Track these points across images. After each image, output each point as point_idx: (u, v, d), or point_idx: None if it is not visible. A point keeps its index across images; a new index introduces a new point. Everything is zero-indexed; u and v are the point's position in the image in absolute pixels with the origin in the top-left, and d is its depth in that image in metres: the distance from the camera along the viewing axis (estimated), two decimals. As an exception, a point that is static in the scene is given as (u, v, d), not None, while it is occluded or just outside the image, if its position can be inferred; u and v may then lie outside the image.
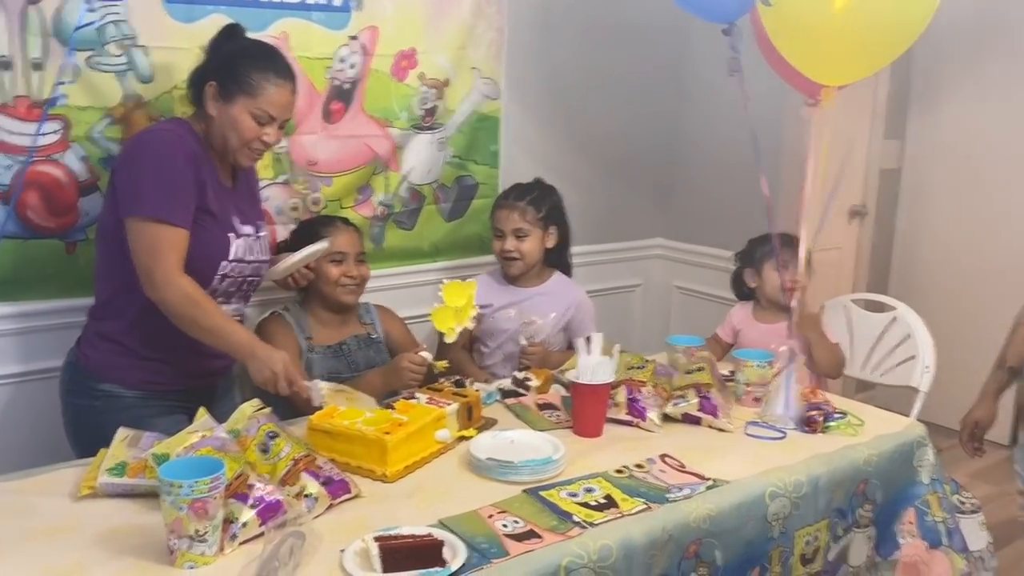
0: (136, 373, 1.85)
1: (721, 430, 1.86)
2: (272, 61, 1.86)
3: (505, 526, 1.42)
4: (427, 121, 2.61)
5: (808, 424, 1.86)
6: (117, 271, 1.80)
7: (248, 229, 1.91)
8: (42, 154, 2.03)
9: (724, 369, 2.11)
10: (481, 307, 2.36)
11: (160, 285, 1.72)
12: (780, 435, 1.85)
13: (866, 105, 3.85)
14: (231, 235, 1.85)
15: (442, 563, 1.29)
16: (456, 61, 2.63)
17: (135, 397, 1.84)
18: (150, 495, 1.43)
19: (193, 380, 1.90)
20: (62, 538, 1.35)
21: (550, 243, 2.41)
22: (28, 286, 2.06)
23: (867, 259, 4.05)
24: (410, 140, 2.59)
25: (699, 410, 1.88)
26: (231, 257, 1.85)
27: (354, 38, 2.43)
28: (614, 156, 3.10)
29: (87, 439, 1.70)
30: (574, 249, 2.91)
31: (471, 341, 2.41)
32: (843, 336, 2.60)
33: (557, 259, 2.48)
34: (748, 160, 2.07)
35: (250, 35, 1.95)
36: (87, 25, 1.99)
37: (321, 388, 1.74)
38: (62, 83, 1.75)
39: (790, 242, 2.17)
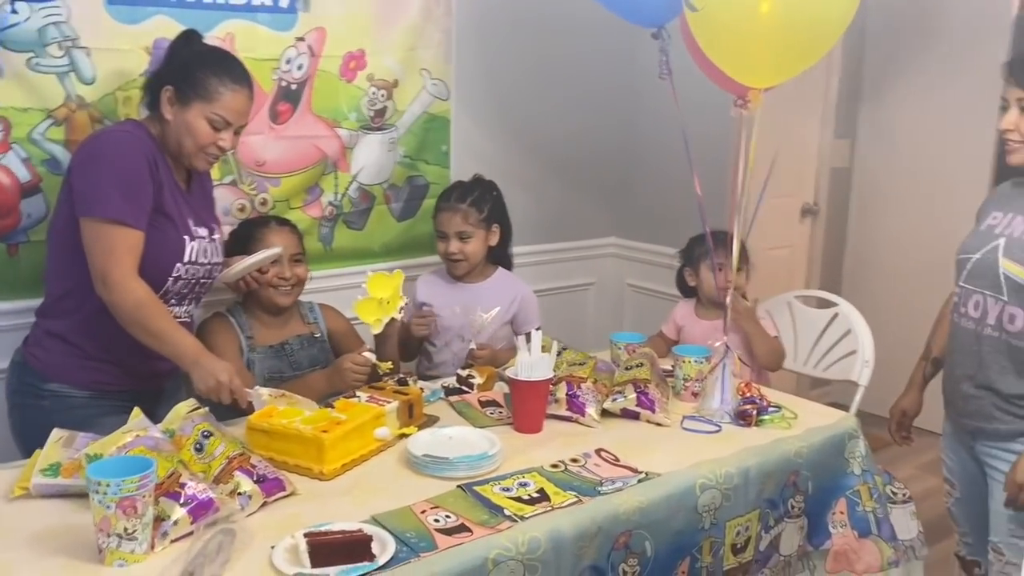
0: (84, 373, 1.86)
1: (659, 424, 1.90)
2: (229, 66, 1.88)
3: (437, 521, 1.44)
4: (376, 122, 2.62)
5: (743, 417, 1.91)
6: (72, 270, 1.80)
7: (202, 231, 1.92)
8: (-21, 156, 2.03)
9: (666, 365, 2.15)
10: (423, 304, 2.41)
11: (113, 287, 1.73)
12: (715, 428, 1.89)
13: (816, 104, 3.92)
14: (186, 237, 1.86)
15: (371, 557, 1.31)
16: (405, 62, 2.64)
17: (83, 397, 1.85)
18: (84, 495, 1.42)
19: (141, 381, 1.91)
20: (-8, 539, 1.36)
21: (493, 241, 2.44)
22: (-31, 284, 2.06)
23: (819, 257, 4.12)
24: (360, 140, 2.60)
25: (637, 405, 1.91)
26: (185, 259, 1.87)
27: (301, 39, 2.44)
28: (566, 156, 3.13)
29: (34, 439, 1.68)
30: (527, 248, 2.97)
31: (419, 342, 2.43)
32: (787, 332, 2.65)
33: (499, 255, 2.50)
34: (699, 159, 2.11)
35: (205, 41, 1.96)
36: (12, 27, 1.98)
37: (262, 395, 1.75)
38: None
39: (726, 241, 2.23)
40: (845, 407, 2.20)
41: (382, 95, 2.62)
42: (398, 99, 2.66)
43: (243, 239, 2.14)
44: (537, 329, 1.90)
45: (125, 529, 1.28)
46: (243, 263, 2.05)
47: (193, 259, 1.89)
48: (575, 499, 1.53)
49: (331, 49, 2.50)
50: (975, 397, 1.84)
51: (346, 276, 2.61)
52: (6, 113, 2.04)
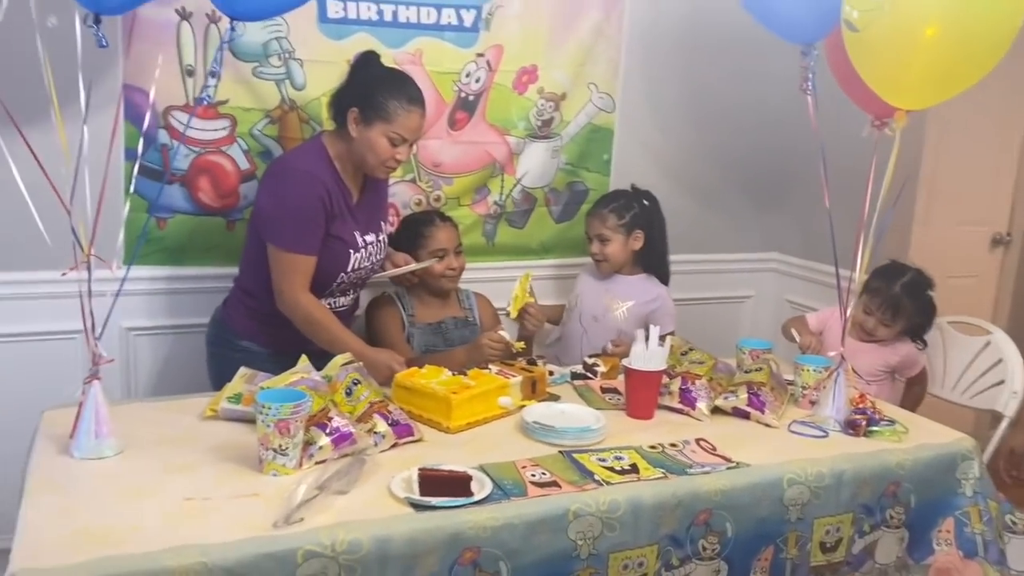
0: (269, 336, 2.21)
1: (767, 425, 1.99)
2: (406, 89, 2.12)
3: (533, 476, 1.65)
4: (543, 131, 2.87)
5: (852, 427, 1.96)
6: (261, 260, 2.14)
7: (370, 238, 2.21)
8: (213, 146, 2.47)
9: (789, 374, 2.23)
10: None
11: (285, 303, 2.09)
12: (822, 434, 1.96)
13: (1015, 130, 3.73)
14: (351, 251, 2.16)
15: (469, 493, 1.54)
16: (574, 77, 2.87)
17: (267, 354, 2.19)
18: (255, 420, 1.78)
19: (314, 345, 2.17)
20: (184, 445, 1.72)
21: (635, 246, 2.61)
22: (194, 255, 2.51)
23: (1010, 288, 3.90)
24: (526, 147, 2.86)
25: (747, 405, 2.01)
26: (349, 269, 2.18)
27: (481, 55, 2.73)
28: (727, 170, 3.22)
29: (225, 380, 2.05)
30: (685, 257, 3.11)
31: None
32: (937, 357, 2.62)
33: (650, 261, 2.66)
34: (865, 178, 2.08)
35: (384, 62, 2.23)
36: (241, 38, 2.38)
37: None
38: (207, 86, 2.12)
39: (886, 275, 2.30)
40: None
41: (550, 106, 2.86)
42: (565, 110, 2.89)
43: (411, 232, 2.45)
44: (671, 333, 2.04)
45: (280, 446, 1.59)
46: (401, 270, 2.35)
47: (356, 267, 2.19)
48: (662, 475, 1.68)
49: (507, 64, 2.78)
50: None
51: (505, 270, 2.87)
52: (234, 112, 2.48)
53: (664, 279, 2.71)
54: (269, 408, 1.58)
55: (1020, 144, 3.74)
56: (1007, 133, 3.71)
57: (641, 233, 2.61)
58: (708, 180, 3.21)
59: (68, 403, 1.74)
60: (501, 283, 2.86)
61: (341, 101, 2.16)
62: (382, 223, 2.30)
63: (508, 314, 2.33)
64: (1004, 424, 2.38)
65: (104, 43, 1.53)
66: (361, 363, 1.93)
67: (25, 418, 1.86)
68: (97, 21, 1.51)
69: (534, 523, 1.52)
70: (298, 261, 2.07)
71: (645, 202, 2.64)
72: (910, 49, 1.89)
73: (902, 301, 2.42)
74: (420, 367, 2.03)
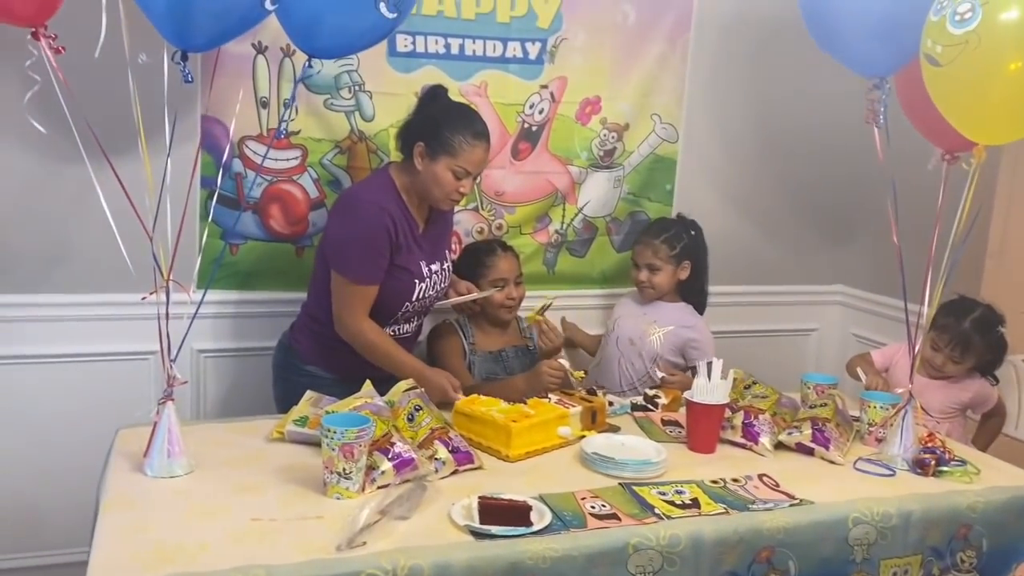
0: (334, 362, 2.24)
1: (832, 462, 1.96)
2: (471, 125, 2.16)
3: (593, 507, 1.65)
4: (605, 160, 2.89)
5: (920, 466, 1.91)
6: (326, 288, 2.19)
7: (435, 267, 2.25)
8: (285, 175, 2.55)
9: (855, 410, 2.18)
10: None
11: (345, 330, 2.15)
12: (889, 473, 1.91)
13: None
14: (416, 280, 2.19)
15: (528, 523, 1.55)
16: (638, 107, 2.89)
17: (332, 379, 2.22)
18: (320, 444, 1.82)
19: (378, 371, 2.21)
20: (251, 466, 1.77)
21: (683, 276, 2.63)
22: (263, 280, 2.58)
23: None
24: (588, 177, 2.88)
25: (812, 441, 1.98)
26: (414, 299, 2.21)
27: (545, 87, 2.77)
28: (791, 201, 3.19)
29: (290, 404, 2.09)
30: (749, 288, 3.11)
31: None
32: (1011, 396, 2.54)
33: (690, 290, 2.68)
34: (935, 211, 2.05)
35: (450, 94, 2.28)
36: (316, 74, 2.46)
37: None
38: (284, 120, 2.19)
39: (954, 311, 2.28)
40: None
41: (613, 136, 2.88)
42: (628, 140, 2.90)
43: (472, 260, 2.48)
44: (718, 360, 2.04)
45: (344, 469, 1.63)
46: (463, 298, 2.39)
47: (422, 296, 2.23)
48: (723, 510, 1.67)
49: (570, 96, 2.80)
50: None
51: (565, 298, 2.88)
52: (305, 142, 2.55)
53: (701, 309, 2.72)
54: (334, 432, 1.61)
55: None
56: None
57: (689, 264, 2.63)
58: (773, 211, 3.18)
59: (142, 422, 1.80)
60: (562, 311, 2.89)
61: (408, 134, 2.20)
62: (447, 252, 2.34)
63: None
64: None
65: (190, 79, 1.61)
66: (423, 389, 1.96)
67: (100, 435, 1.93)
68: (184, 58, 1.58)
69: (593, 555, 1.52)
70: (359, 291, 2.13)
71: (692, 232, 2.66)
72: (993, 84, 1.85)
73: (972, 338, 2.36)
74: (481, 394, 2.05)
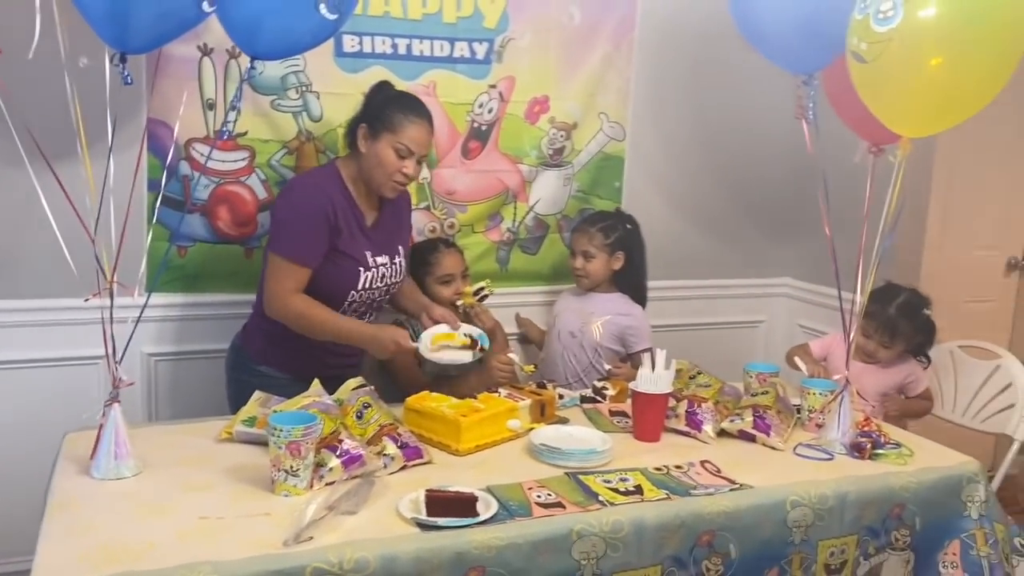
0: (286, 361, 2.24)
1: (773, 448, 2.02)
2: (412, 104, 2.21)
3: (539, 496, 1.69)
4: (555, 159, 2.93)
5: (857, 450, 1.98)
6: None
7: (382, 259, 2.24)
8: (232, 176, 2.55)
9: (796, 398, 2.25)
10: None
11: (274, 306, 2.13)
12: (827, 457, 1.98)
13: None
14: (360, 269, 2.19)
15: (474, 514, 1.58)
16: (585, 106, 2.93)
17: (284, 379, 2.22)
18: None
19: (329, 369, 2.18)
20: (200, 466, 1.78)
21: (615, 266, 2.70)
22: (213, 282, 2.58)
23: (1028, 313, 3.90)
24: (538, 175, 2.92)
25: (753, 427, 2.04)
26: (359, 287, 2.21)
27: (493, 86, 2.80)
28: (738, 197, 3.26)
29: (242, 404, 2.11)
30: (697, 282, 3.21)
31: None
32: (948, 381, 2.63)
33: (627, 283, 2.74)
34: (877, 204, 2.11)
35: (403, 84, 2.33)
36: (260, 75, 2.44)
37: (424, 340, 2.17)
38: (228, 121, 2.20)
39: (880, 298, 2.34)
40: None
41: (561, 135, 2.92)
42: (576, 139, 2.95)
43: (417, 259, 2.50)
44: (647, 350, 2.08)
45: (291, 467, 1.64)
46: (438, 357, 2.21)
47: (368, 286, 2.22)
48: (665, 496, 1.71)
49: (519, 95, 2.84)
50: None
51: (518, 295, 2.93)
52: (252, 143, 2.56)
53: (641, 301, 2.77)
54: (280, 430, 1.63)
55: (1034, 169, 3.75)
56: (1019, 159, 3.72)
57: (623, 255, 2.69)
58: (717, 207, 3.25)
59: (90, 426, 1.79)
60: (514, 308, 2.93)
61: (353, 123, 2.24)
62: (400, 247, 2.34)
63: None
64: (1014, 448, 2.38)
65: (129, 80, 1.61)
66: (372, 388, 1.99)
67: (48, 442, 1.92)
68: (123, 60, 1.58)
69: (538, 543, 1.55)
70: (292, 269, 2.11)
71: (629, 226, 2.72)
72: (916, 79, 1.92)
73: (898, 323, 2.44)
74: (432, 392, 2.08)
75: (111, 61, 1.59)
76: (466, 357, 2.19)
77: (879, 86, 1.99)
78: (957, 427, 2.64)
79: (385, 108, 2.17)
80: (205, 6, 1.58)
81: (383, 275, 2.26)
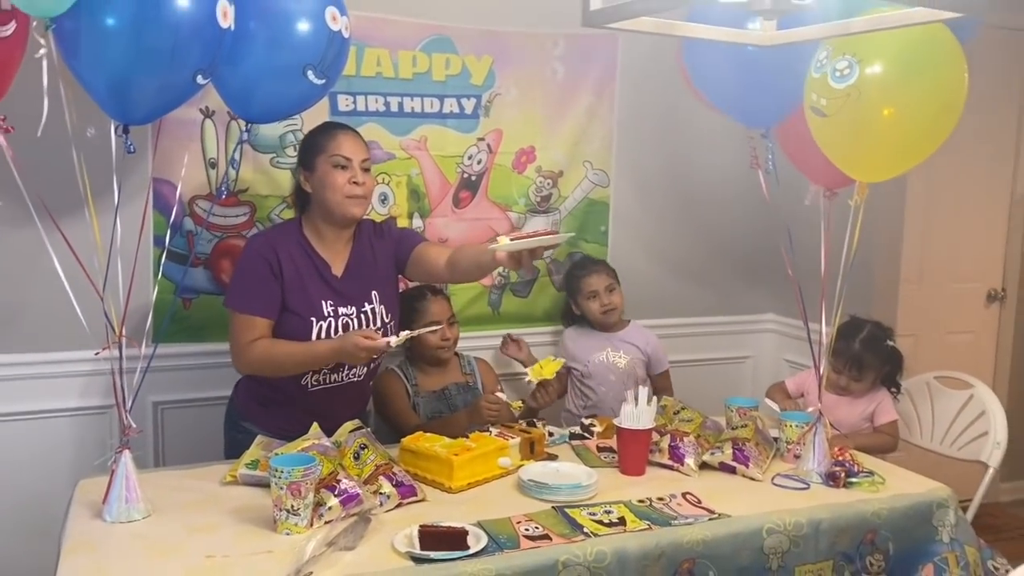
0: (270, 419, 2.24)
1: (752, 478, 2.11)
2: (330, 124, 2.26)
3: (527, 530, 1.78)
4: (542, 206, 3.06)
5: (832, 478, 2.07)
6: None
7: (347, 309, 2.21)
8: (234, 231, 2.68)
9: (776, 431, 2.34)
10: (573, 367, 2.85)
11: (239, 360, 2.17)
12: (804, 486, 2.07)
13: (1005, 190, 3.88)
14: (313, 319, 2.16)
15: (465, 547, 1.67)
16: (570, 155, 3.07)
17: (269, 436, 2.14)
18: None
19: (321, 421, 2.11)
20: (206, 508, 1.87)
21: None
22: (216, 332, 2.67)
23: (1009, 345, 3.99)
24: (527, 221, 3.05)
25: (733, 459, 2.13)
26: (314, 339, 2.16)
27: (481, 139, 2.94)
28: (721, 238, 3.37)
29: (232, 457, 2.16)
30: (685, 319, 3.37)
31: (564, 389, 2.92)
32: (925, 411, 2.72)
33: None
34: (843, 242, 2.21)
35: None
36: (259, 135, 2.61)
37: (393, 340, 2.06)
38: (225, 180, 2.34)
39: (845, 333, 2.49)
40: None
41: (548, 183, 3.05)
42: (562, 186, 3.08)
43: (404, 307, 2.54)
44: (645, 387, 2.19)
45: (292, 506, 1.74)
46: (407, 335, 2.20)
47: (324, 337, 2.16)
48: (647, 527, 1.80)
49: (506, 146, 2.98)
50: None
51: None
52: (253, 199, 2.69)
53: None
54: (281, 472, 1.73)
55: (1008, 203, 3.89)
56: (995, 193, 3.87)
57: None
58: (701, 250, 3.37)
59: (101, 472, 1.90)
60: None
61: (295, 181, 2.30)
62: (374, 293, 2.27)
63: (526, 376, 2.39)
64: (989, 474, 2.47)
65: (131, 150, 1.73)
66: (368, 430, 2.09)
67: (61, 489, 2.02)
68: (126, 131, 1.71)
69: (525, 573, 1.65)
70: (247, 321, 2.13)
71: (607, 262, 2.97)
72: (872, 129, 2.06)
73: (863, 356, 2.55)
74: (425, 432, 2.18)
75: (115, 132, 1.72)
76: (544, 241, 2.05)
77: (838, 137, 2.13)
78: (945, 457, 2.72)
79: (308, 143, 2.23)
80: (199, 79, 1.71)
81: (346, 324, 2.20)
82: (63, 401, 2.52)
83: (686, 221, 3.33)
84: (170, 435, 2.70)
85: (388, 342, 2.03)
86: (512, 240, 2.01)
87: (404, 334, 2.09)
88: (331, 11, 1.91)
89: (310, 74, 1.92)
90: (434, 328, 2.43)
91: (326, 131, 2.22)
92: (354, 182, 2.16)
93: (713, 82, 2.29)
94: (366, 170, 2.20)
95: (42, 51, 1.54)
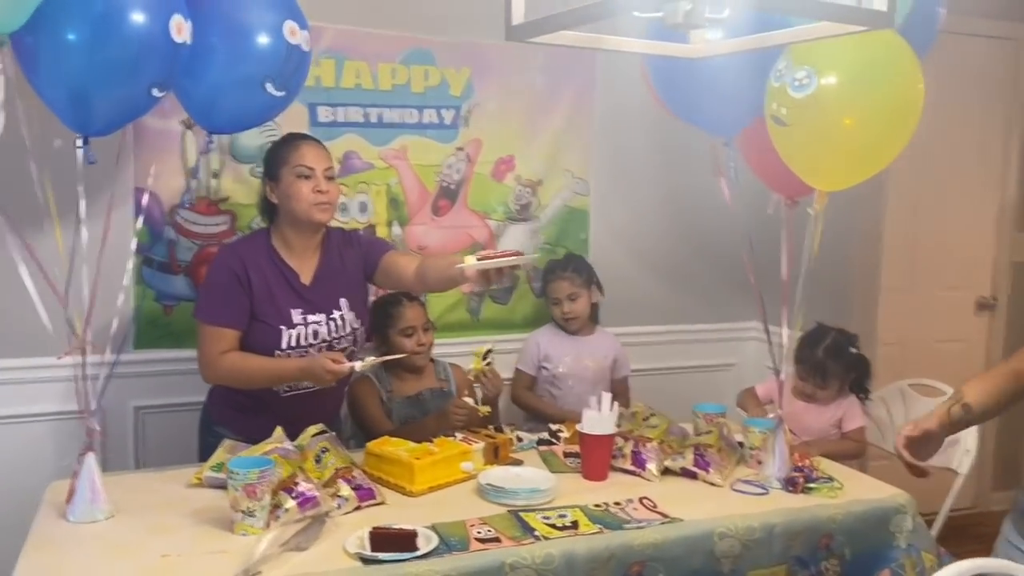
0: (241, 424, 2.27)
1: (712, 484, 2.13)
2: (293, 136, 2.29)
3: (479, 533, 1.81)
4: (522, 214, 3.10)
5: (791, 484, 2.08)
6: None
7: (316, 317, 2.25)
8: (215, 239, 2.73)
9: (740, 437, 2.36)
10: (543, 365, 2.92)
11: (207, 372, 2.22)
12: (763, 492, 2.09)
13: (993, 198, 3.87)
14: (283, 328, 2.21)
15: (415, 548, 1.70)
16: (549, 164, 3.11)
17: (239, 441, 2.20)
18: (236, 487, 1.96)
19: (291, 427, 2.11)
20: (169, 510, 1.91)
21: (595, 298, 2.94)
22: (196, 337, 2.73)
23: (1000, 352, 3.97)
24: (506, 229, 3.09)
25: (693, 465, 2.15)
26: (284, 347, 2.22)
27: (460, 149, 2.99)
28: (704, 245, 3.39)
29: (204, 460, 2.18)
30: (668, 327, 3.40)
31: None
32: (899, 419, 2.72)
33: (596, 316, 3.00)
34: (832, 256, 2.28)
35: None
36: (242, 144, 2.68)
37: (358, 365, 2.13)
38: (188, 192, 2.47)
39: (808, 342, 2.53)
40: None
41: (527, 192, 3.09)
42: (542, 195, 3.12)
43: (380, 313, 2.61)
44: (607, 393, 2.21)
45: (248, 508, 1.78)
46: (373, 361, 2.27)
47: (295, 344, 2.23)
48: (598, 530, 1.83)
49: (485, 156, 3.03)
50: None
51: (490, 343, 3.04)
52: (234, 208, 2.75)
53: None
54: (237, 474, 1.77)
55: (997, 210, 3.88)
56: (984, 200, 3.86)
57: (596, 288, 2.92)
58: (681, 256, 3.40)
59: (69, 475, 1.94)
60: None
61: (261, 193, 2.32)
62: (343, 300, 2.31)
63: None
64: (959, 481, 2.47)
65: (92, 160, 1.78)
66: (332, 434, 2.12)
67: (39, 492, 2.07)
68: (86, 142, 1.77)
69: (471, 574, 1.67)
70: (214, 332, 2.19)
71: (587, 263, 2.98)
72: (833, 138, 2.07)
73: (827, 364, 2.56)
74: (393, 436, 2.21)
75: (75, 143, 1.77)
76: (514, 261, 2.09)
77: (798, 146, 2.15)
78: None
79: (272, 155, 2.27)
80: (155, 92, 1.77)
81: (316, 332, 2.26)
82: (41, 406, 2.58)
83: (668, 228, 3.35)
84: (150, 438, 2.75)
85: (353, 367, 2.10)
86: (478, 259, 2.05)
87: (370, 360, 2.18)
88: (290, 25, 1.97)
89: (269, 86, 1.97)
90: (399, 356, 2.47)
91: (289, 142, 2.26)
92: (318, 191, 2.20)
93: (674, 91, 2.31)
94: (330, 178, 2.24)
95: (-2, 68, 1.60)
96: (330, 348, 2.28)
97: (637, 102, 3.13)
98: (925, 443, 1.78)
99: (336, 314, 2.30)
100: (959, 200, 3.79)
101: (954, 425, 1.83)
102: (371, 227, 2.90)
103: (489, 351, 2.37)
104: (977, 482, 3.99)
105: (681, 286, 3.41)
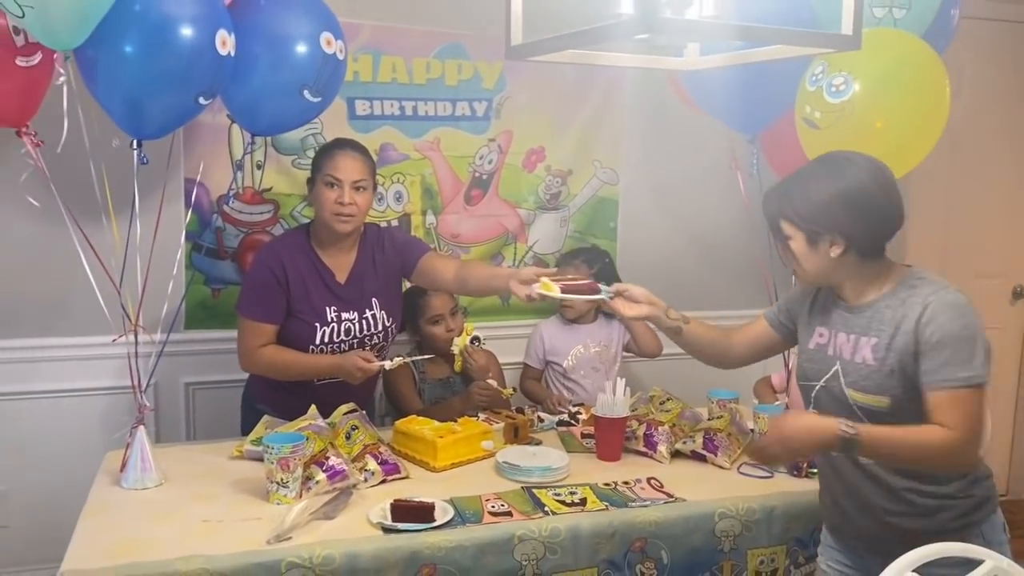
0: (282, 403, 2.37)
1: (720, 467, 2.23)
2: (336, 142, 2.37)
3: (493, 507, 1.94)
4: (552, 203, 3.20)
5: (796, 469, 2.17)
6: None
7: (349, 315, 2.38)
8: (259, 227, 2.91)
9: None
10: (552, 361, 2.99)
11: (245, 363, 2.37)
12: (768, 475, 2.18)
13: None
14: (317, 324, 2.34)
15: (432, 520, 1.85)
16: (579, 154, 3.21)
17: (278, 418, 2.32)
18: (273, 460, 2.13)
19: (327, 408, 2.27)
20: (211, 479, 2.09)
21: None
22: (242, 319, 2.93)
23: (1035, 341, 3.97)
24: (536, 218, 3.20)
25: (703, 448, 2.26)
26: (318, 343, 2.36)
27: (492, 140, 3.10)
28: (729, 234, 3.44)
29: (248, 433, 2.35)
30: (694, 313, 3.33)
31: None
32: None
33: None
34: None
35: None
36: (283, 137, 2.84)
37: (387, 364, 2.32)
38: (233, 184, 2.54)
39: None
40: None
41: (557, 181, 3.20)
42: (572, 184, 3.22)
43: (409, 303, 2.72)
44: (621, 378, 2.32)
45: (282, 479, 1.94)
46: (401, 360, 2.41)
47: (329, 340, 2.36)
48: (604, 507, 1.95)
49: (516, 147, 3.14)
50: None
51: (518, 327, 3.18)
52: (277, 197, 2.91)
53: None
54: (272, 448, 1.94)
55: (1034, 200, 3.86)
56: (1018, 188, 3.84)
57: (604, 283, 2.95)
58: (709, 245, 3.46)
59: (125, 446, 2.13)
60: (515, 340, 3.19)
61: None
62: (375, 300, 2.43)
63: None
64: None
65: (145, 161, 1.96)
66: (362, 412, 2.28)
67: (95, 459, 2.27)
68: (139, 145, 1.94)
69: (483, 545, 1.81)
70: (253, 326, 2.32)
71: (606, 260, 3.02)
72: (864, 141, 2.12)
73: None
74: (420, 415, 2.36)
75: (130, 145, 1.95)
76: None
77: (829, 148, 2.20)
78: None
79: (314, 160, 2.39)
80: (201, 100, 1.92)
81: (348, 329, 2.38)
82: (100, 380, 2.78)
83: (696, 218, 3.42)
84: (200, 412, 2.95)
85: (383, 365, 2.27)
86: (562, 290, 2.09)
87: (398, 359, 2.36)
88: (326, 36, 2.11)
89: (306, 93, 2.12)
90: (426, 357, 2.62)
91: (328, 150, 2.37)
92: (339, 202, 2.28)
93: (702, 86, 2.39)
94: (358, 190, 2.30)
95: (61, 79, 1.77)
96: (361, 345, 2.41)
97: (667, 93, 3.24)
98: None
99: (368, 313, 2.43)
100: (994, 187, 3.78)
101: (662, 322, 2.12)
102: (406, 216, 3.04)
103: (476, 338, 2.52)
104: (1009, 470, 4.01)
105: (707, 273, 3.48)
